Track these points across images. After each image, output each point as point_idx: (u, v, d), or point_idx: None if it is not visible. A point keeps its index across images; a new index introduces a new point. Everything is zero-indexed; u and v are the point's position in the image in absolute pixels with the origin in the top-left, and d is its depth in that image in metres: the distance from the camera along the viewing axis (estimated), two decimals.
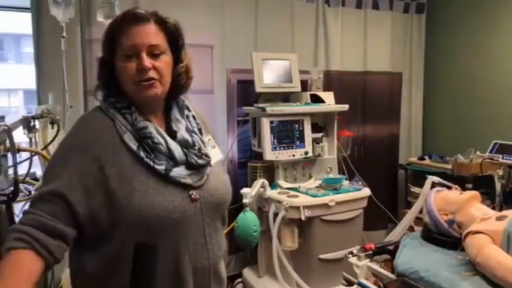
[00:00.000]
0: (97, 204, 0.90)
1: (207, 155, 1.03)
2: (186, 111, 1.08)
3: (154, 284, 0.93)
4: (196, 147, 1.02)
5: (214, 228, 1.03)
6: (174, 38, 1.01)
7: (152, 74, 0.95)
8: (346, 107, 2.72)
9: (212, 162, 1.06)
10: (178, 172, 0.96)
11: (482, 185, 2.46)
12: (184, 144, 1.00)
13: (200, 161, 1.00)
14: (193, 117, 1.09)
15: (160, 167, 0.94)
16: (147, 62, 0.94)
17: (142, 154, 0.94)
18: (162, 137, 0.98)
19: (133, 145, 0.95)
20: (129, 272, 0.91)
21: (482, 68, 3.14)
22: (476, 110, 3.18)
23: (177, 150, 0.98)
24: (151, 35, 0.96)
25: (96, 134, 0.95)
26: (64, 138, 0.99)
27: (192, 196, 0.97)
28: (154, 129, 0.98)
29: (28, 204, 1.72)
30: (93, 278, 0.95)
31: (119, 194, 0.90)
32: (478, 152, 2.77)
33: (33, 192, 1.75)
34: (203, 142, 1.06)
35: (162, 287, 0.94)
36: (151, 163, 0.94)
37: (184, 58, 1.04)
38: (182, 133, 1.02)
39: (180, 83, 1.04)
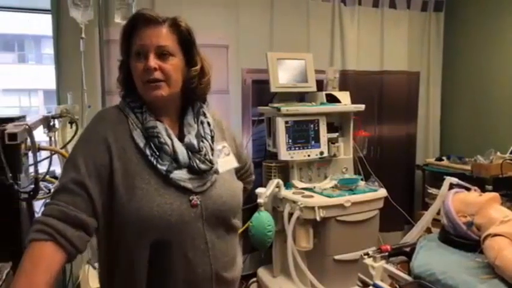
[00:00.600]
0: (106, 196, 0.93)
1: (211, 161, 1.02)
2: (201, 117, 1.08)
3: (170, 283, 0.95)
4: (202, 153, 1.02)
5: (217, 234, 1.02)
6: (186, 40, 1.02)
7: (158, 75, 0.97)
8: (362, 106, 2.70)
9: (221, 170, 1.06)
10: (179, 175, 0.97)
11: (503, 186, 2.40)
12: (191, 148, 1.01)
13: (202, 166, 1.00)
14: (208, 123, 1.09)
15: (162, 167, 0.96)
16: (153, 62, 0.96)
17: (147, 152, 0.96)
18: (170, 137, 0.99)
19: (141, 142, 0.97)
20: (128, 267, 0.94)
21: (502, 66, 3.07)
22: (496, 110, 3.11)
23: (182, 153, 0.99)
24: (161, 36, 0.98)
25: (109, 128, 0.97)
26: (82, 132, 1.02)
27: (192, 201, 0.97)
28: (164, 129, 0.99)
29: (43, 201, 1.77)
30: (106, 270, 1.00)
31: (121, 190, 0.93)
32: (498, 153, 2.72)
33: (52, 189, 1.79)
34: (212, 149, 1.06)
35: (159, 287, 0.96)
36: (155, 162, 0.95)
37: (198, 62, 1.04)
38: (190, 137, 1.02)
39: (190, 86, 1.04)
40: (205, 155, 1.02)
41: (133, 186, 0.93)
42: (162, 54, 0.98)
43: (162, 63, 0.97)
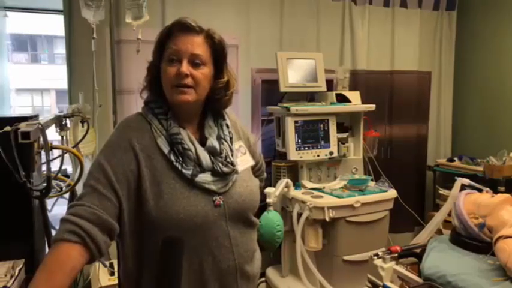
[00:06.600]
0: (133, 201, 0.96)
1: (232, 164, 1.06)
2: (220, 119, 1.12)
3: (180, 282, 0.96)
4: (223, 155, 1.05)
5: (239, 231, 1.06)
6: (218, 53, 1.06)
7: (188, 81, 1.00)
8: (372, 106, 2.68)
9: (240, 169, 1.09)
10: (204, 178, 1.01)
11: None
12: (212, 152, 1.04)
13: (225, 169, 1.04)
14: (227, 125, 1.13)
15: (187, 172, 0.99)
16: (186, 68, 0.99)
17: (172, 158, 0.99)
18: (192, 143, 1.03)
19: (166, 149, 1.00)
20: (155, 268, 0.95)
21: None
22: (509, 110, 3.06)
23: (204, 158, 1.02)
24: (196, 45, 1.02)
25: (136, 135, 1.01)
26: (108, 138, 1.04)
27: (216, 202, 1.01)
28: (187, 135, 1.03)
29: (55, 199, 1.79)
30: (130, 270, 1.02)
31: (148, 195, 0.96)
32: (511, 154, 2.67)
33: (64, 188, 1.81)
34: (232, 150, 1.09)
35: (187, 286, 0.98)
36: (180, 167, 0.99)
37: (225, 74, 1.09)
38: (212, 140, 1.06)
39: (216, 97, 1.08)
40: (226, 157, 1.06)
41: (161, 191, 0.96)
42: (195, 62, 1.01)
43: (194, 71, 1.01)
